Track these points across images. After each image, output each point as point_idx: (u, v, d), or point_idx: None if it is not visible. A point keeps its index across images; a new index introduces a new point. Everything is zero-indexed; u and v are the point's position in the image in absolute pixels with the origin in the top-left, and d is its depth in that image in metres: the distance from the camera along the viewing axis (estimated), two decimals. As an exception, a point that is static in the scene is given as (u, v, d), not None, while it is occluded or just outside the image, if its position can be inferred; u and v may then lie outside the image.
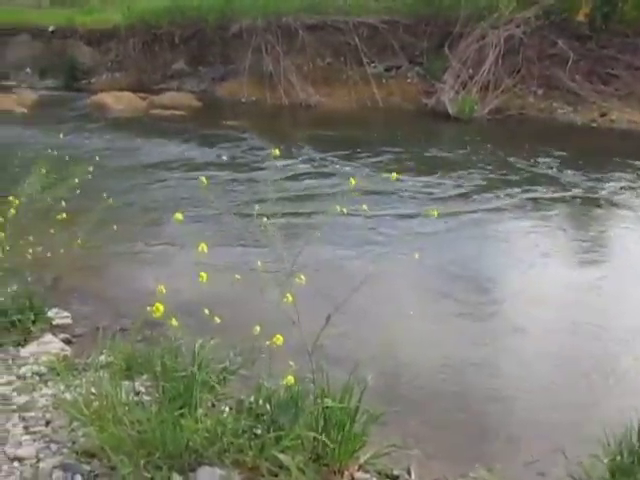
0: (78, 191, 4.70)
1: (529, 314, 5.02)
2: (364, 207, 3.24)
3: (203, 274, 2.72)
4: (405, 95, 15.70)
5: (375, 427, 2.95)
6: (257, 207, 3.02)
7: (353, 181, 2.95)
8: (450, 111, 13.98)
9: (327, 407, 2.79)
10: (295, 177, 9.33)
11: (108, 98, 16.84)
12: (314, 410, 2.82)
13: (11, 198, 4.26)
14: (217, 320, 2.87)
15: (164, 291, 2.71)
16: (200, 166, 10.19)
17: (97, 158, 5.17)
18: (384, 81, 16.12)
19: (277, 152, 3.47)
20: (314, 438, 2.78)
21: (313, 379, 2.78)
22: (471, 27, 14.84)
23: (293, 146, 11.39)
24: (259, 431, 3.02)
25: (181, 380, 3.10)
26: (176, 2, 19.54)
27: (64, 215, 4.40)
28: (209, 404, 3.33)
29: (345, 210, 2.92)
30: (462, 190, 8.73)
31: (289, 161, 10.03)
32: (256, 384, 3.17)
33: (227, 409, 3.42)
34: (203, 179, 3.04)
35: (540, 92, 14.65)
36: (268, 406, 2.98)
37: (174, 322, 2.70)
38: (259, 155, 10.68)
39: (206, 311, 3.10)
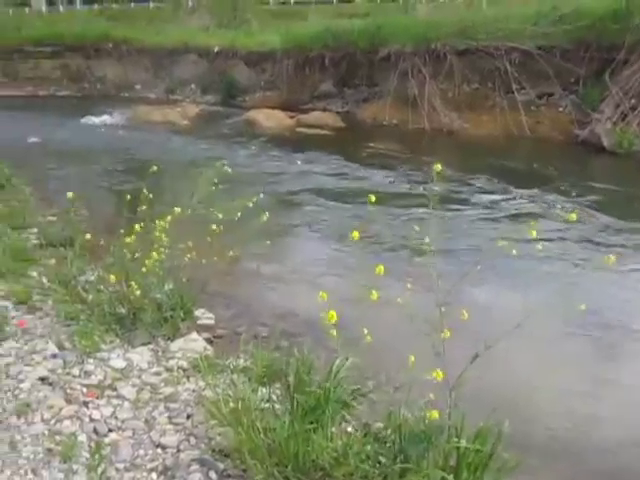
0: (234, 198, 5.01)
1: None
2: (538, 247, 3.06)
3: (368, 294, 2.69)
4: (555, 124, 14.82)
5: (507, 477, 2.77)
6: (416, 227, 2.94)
7: (533, 224, 2.77)
8: (605, 144, 12.93)
9: (461, 447, 2.66)
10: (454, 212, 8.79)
11: (259, 115, 17.85)
12: (446, 448, 2.71)
13: (179, 205, 4.65)
14: (368, 339, 2.85)
15: (325, 297, 2.73)
16: (345, 186, 10.33)
17: (246, 170, 5.50)
18: (533, 109, 15.38)
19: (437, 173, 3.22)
20: (442, 478, 2.66)
21: (449, 415, 2.67)
22: (638, 54, 13.68)
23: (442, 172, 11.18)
24: (384, 459, 2.97)
25: (314, 395, 3.14)
26: (329, 27, 20.32)
27: (218, 223, 4.69)
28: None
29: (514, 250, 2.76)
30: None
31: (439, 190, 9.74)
32: (386, 410, 3.13)
33: (352, 430, 3.42)
34: (372, 197, 2.95)
35: None
36: (397, 435, 2.92)
37: (334, 333, 2.72)
38: (410, 180, 10.52)
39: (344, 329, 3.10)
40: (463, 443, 2.63)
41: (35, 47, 27.93)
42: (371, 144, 14.31)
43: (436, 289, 2.56)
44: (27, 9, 38.53)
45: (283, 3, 34.42)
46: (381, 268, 2.62)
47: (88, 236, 5.09)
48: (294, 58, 20.67)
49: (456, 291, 2.67)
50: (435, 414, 2.57)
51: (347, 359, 3.19)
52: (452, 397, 2.60)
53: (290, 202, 9.29)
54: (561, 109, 15.23)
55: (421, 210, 7.75)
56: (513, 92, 15.41)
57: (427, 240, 2.78)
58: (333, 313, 2.66)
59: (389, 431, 3.04)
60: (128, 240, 4.41)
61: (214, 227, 4.73)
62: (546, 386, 3.18)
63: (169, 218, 4.61)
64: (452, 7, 23.39)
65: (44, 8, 39.06)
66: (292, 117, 17.80)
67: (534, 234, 2.66)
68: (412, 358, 2.67)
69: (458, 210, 8.78)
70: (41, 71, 28.08)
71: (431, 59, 16.77)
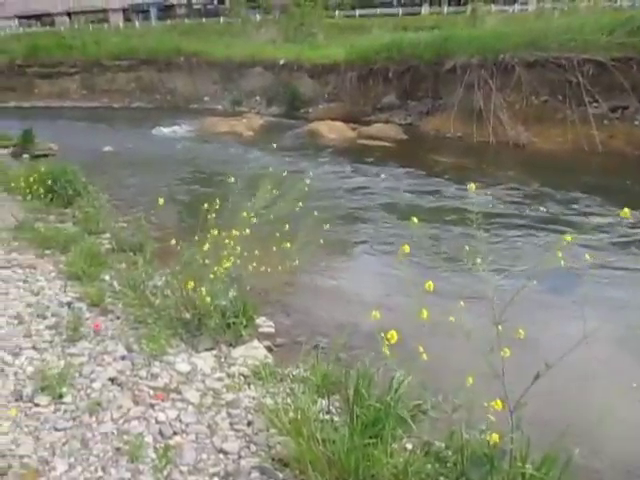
0: (297, 208, 5.08)
1: None
2: (587, 257, 2.95)
3: (423, 310, 2.67)
4: (630, 139, 14.15)
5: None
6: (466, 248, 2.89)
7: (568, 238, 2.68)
8: (685, 159, 12.25)
9: (526, 473, 2.57)
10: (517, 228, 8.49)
11: (322, 126, 18.04)
12: (510, 474, 2.62)
13: (245, 214, 4.77)
14: (424, 357, 2.81)
15: (378, 316, 2.73)
16: (409, 200, 10.25)
17: (308, 181, 5.56)
18: (606, 122, 14.76)
19: (473, 188, 3.14)
20: (506, 503, 2.57)
21: (511, 439, 2.58)
22: None
23: (502, 185, 10.93)
24: (443, 480, 2.91)
25: (374, 409, 3.12)
26: (394, 39, 20.33)
27: (282, 233, 4.77)
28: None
29: (563, 262, 2.67)
30: None
31: (502, 207, 9.52)
32: (448, 430, 3.06)
33: (412, 448, 3.37)
34: (414, 220, 2.98)
35: None
36: (459, 457, 2.85)
37: (386, 350, 2.70)
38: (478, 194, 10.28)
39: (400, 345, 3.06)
40: (529, 469, 2.53)
41: (112, 61, 29.55)
42: (435, 157, 14.15)
43: (494, 307, 2.50)
44: (106, 25, 40.72)
45: (348, 16, 34.73)
46: (430, 284, 2.60)
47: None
48: (358, 70, 20.81)
49: (524, 310, 2.60)
50: (495, 437, 2.49)
51: (407, 375, 3.15)
52: (514, 420, 2.52)
53: (352, 215, 9.31)
54: (637, 123, 14.55)
55: (488, 226, 7.60)
56: (585, 105, 14.85)
57: (482, 258, 2.73)
58: (394, 333, 2.64)
59: (450, 452, 2.97)
60: (203, 248, 4.53)
61: (277, 238, 4.81)
62: (614, 409, 3.00)
63: (237, 228, 4.72)
64: (521, 18, 22.90)
65: (121, 24, 41.18)
66: (354, 129, 17.90)
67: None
68: (470, 379, 2.61)
69: (529, 227, 8.52)
70: (116, 84, 29.59)
71: (499, 71, 16.45)
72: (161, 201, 5.03)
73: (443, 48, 18.18)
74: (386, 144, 16.12)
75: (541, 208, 9.54)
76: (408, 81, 19.65)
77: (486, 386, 2.61)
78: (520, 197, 10.17)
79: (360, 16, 34.75)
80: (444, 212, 9.09)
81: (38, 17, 51.47)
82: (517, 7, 29.87)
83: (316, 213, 5.60)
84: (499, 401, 2.43)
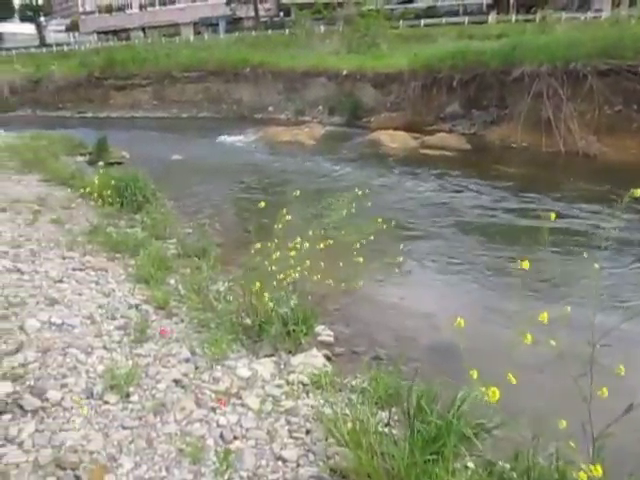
0: (360, 219, 5.07)
1: None
2: None
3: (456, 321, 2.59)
4: None
5: None
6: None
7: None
8: None
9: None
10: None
11: (384, 136, 17.97)
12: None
13: (309, 223, 4.80)
14: (474, 376, 2.68)
15: (462, 324, 2.63)
16: (474, 216, 9.96)
17: (372, 192, 5.55)
18: (686, 133, 13.96)
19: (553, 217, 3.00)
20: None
21: (589, 469, 2.44)
22: None
23: (579, 198, 10.44)
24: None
25: (435, 425, 3.04)
26: (460, 48, 20.02)
27: (345, 244, 4.77)
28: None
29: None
30: None
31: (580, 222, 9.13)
32: (514, 450, 2.94)
33: (473, 466, 3.26)
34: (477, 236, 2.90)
35: None
36: (525, 479, 2.74)
37: (474, 375, 2.56)
38: (554, 208, 9.85)
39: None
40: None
41: (182, 73, 30.63)
42: (502, 167, 13.77)
43: (593, 329, 2.36)
44: (177, 38, 42.28)
45: (412, 26, 34.53)
46: (544, 316, 2.45)
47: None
48: (421, 79, 20.60)
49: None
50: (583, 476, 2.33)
51: (472, 391, 3.05)
52: (595, 448, 2.37)
53: (416, 228, 9.19)
54: None
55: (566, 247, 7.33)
56: (662, 114, 14.10)
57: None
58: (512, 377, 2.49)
59: (515, 474, 2.85)
60: (266, 255, 4.59)
61: (342, 249, 4.81)
62: None
63: (302, 238, 4.76)
64: (594, 25, 22.02)
65: (192, 37, 42.66)
66: (416, 138, 17.74)
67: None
68: (545, 400, 2.49)
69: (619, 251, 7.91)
70: (185, 95, 30.67)
71: (569, 80, 15.88)
72: (225, 208, 5.15)
73: (511, 56, 17.73)
74: (449, 154, 15.86)
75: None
76: (473, 90, 19.29)
77: (566, 411, 2.47)
78: (602, 213, 9.58)
79: (425, 25, 34.48)
80: (517, 229, 8.71)
81: (115, 32, 54.22)
82: (590, 14, 28.78)
83: (379, 224, 5.55)
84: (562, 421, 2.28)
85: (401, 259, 6.99)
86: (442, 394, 3.40)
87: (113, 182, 8.81)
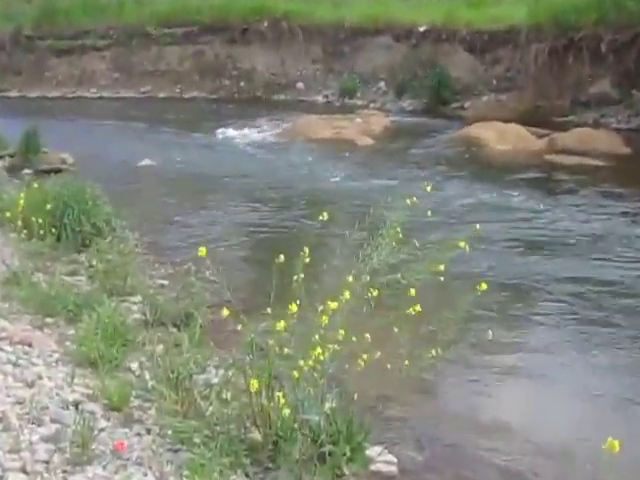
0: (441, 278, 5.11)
1: None
2: None
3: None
4: None
5: None
6: None
7: None
8: None
9: None
10: None
11: (487, 131, 18.11)
12: None
13: (350, 279, 4.88)
14: None
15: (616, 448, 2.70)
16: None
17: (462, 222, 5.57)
18: None
19: None
20: None
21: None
22: None
23: None
24: None
25: None
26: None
27: (417, 308, 4.81)
28: None
29: None
30: None
31: None
32: None
33: None
34: None
35: None
36: None
37: None
38: None
39: None
40: None
41: (160, 28, 31.16)
42: None
43: None
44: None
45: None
46: None
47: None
48: (548, 41, 20.74)
49: None
50: None
51: None
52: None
53: (534, 287, 9.14)
54: None
55: None
56: None
57: None
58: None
59: None
60: (283, 325, 4.67)
61: (403, 315, 4.84)
62: None
63: (338, 297, 4.83)
64: None
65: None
66: (541, 136, 17.80)
67: None
68: None
69: None
70: (165, 63, 31.32)
71: None
72: (224, 248, 5.30)
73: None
74: (596, 163, 15.78)
75: None
76: (633, 59, 19.27)
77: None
78: None
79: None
80: None
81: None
82: None
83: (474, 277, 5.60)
84: None
85: (514, 336, 6.98)
86: None
87: (46, 201, 9.06)
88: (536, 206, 12.72)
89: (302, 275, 4.94)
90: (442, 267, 5.01)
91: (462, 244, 5.01)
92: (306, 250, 5.02)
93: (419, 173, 14.99)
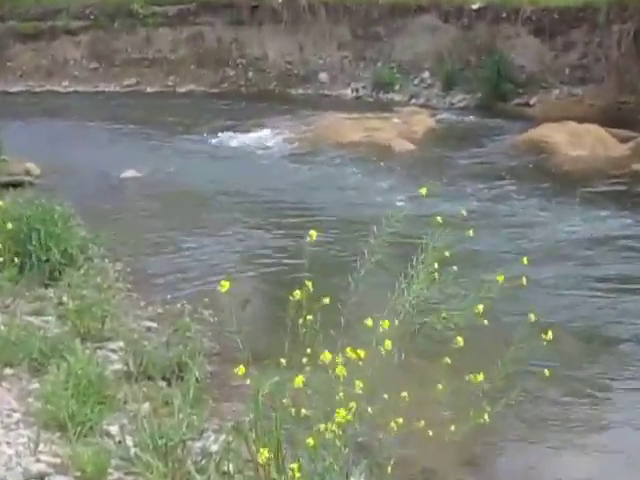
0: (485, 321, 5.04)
1: None
2: None
3: None
4: None
5: None
6: None
7: None
8: None
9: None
10: None
11: (557, 134, 18.05)
12: None
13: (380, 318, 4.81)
14: None
15: None
16: None
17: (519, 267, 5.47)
18: None
19: None
20: None
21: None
22: None
23: None
24: None
25: None
26: None
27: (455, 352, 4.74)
28: None
29: None
30: None
31: None
32: None
33: None
34: None
35: None
36: None
37: None
38: None
39: None
40: None
41: (148, 6, 31.17)
42: None
43: None
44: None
45: None
46: None
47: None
48: (634, 20, 20.60)
49: None
50: None
51: None
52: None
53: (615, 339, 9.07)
54: None
55: None
56: None
57: None
58: None
59: None
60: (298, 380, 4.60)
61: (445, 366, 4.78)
62: None
63: (364, 344, 4.77)
64: None
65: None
66: (625, 139, 17.74)
67: None
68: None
69: None
70: (154, 49, 31.34)
71: None
72: (224, 284, 5.23)
73: None
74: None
75: None
76: None
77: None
78: None
79: None
80: None
81: None
82: None
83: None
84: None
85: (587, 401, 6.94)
86: None
87: (6, 223, 9.03)
88: (622, 231, 12.58)
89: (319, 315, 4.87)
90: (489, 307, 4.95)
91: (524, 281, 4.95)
92: (327, 286, 4.98)
93: (473, 188, 14.92)
